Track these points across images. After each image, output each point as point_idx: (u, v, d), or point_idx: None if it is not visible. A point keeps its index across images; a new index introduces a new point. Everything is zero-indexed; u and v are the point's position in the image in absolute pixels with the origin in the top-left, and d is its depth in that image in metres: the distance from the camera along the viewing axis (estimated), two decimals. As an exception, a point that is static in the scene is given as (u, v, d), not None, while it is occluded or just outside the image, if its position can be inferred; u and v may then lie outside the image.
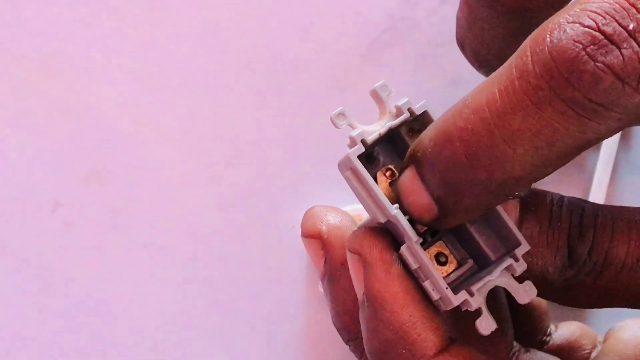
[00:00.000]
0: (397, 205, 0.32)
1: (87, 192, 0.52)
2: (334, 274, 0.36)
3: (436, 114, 0.32)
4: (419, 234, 0.32)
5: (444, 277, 0.32)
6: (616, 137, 0.51)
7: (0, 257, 0.52)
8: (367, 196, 0.32)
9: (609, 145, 0.51)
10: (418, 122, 0.33)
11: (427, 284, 0.32)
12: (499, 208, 0.32)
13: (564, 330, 0.41)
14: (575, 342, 0.41)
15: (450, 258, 0.33)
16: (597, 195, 0.50)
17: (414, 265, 0.32)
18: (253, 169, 0.52)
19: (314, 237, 0.36)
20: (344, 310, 0.36)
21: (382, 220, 0.32)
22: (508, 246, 0.32)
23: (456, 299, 0.31)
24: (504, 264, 0.32)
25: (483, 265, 0.33)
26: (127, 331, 0.52)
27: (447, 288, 0.31)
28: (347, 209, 0.41)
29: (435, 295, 0.32)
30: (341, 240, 0.36)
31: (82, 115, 0.52)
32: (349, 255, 0.33)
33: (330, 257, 0.36)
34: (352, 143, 0.33)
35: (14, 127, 0.52)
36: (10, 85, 0.52)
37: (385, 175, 0.33)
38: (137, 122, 0.52)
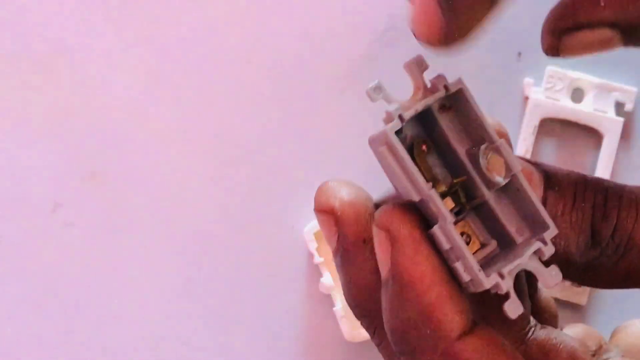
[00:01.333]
0: (431, 184, 0.31)
1: (87, 192, 0.52)
2: (346, 251, 0.35)
3: (470, 91, 0.31)
4: None
5: None
6: (616, 137, 0.51)
7: (0, 257, 0.52)
8: (401, 173, 0.31)
9: (609, 145, 0.51)
10: (450, 98, 0.32)
11: (458, 265, 0.31)
12: (528, 188, 0.31)
13: (568, 332, 0.41)
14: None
15: (473, 238, 0.32)
16: (597, 194, 0.50)
17: (446, 246, 0.31)
18: (253, 169, 0.52)
19: (327, 212, 0.35)
20: (357, 287, 0.35)
21: (416, 198, 0.31)
22: (534, 228, 0.32)
23: (488, 282, 0.31)
24: (533, 248, 0.31)
25: (506, 246, 0.32)
26: (127, 331, 0.52)
27: (480, 270, 0.31)
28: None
29: (466, 277, 0.31)
30: (355, 216, 0.34)
31: (82, 115, 0.52)
32: (375, 231, 0.32)
33: (343, 233, 0.34)
34: (389, 118, 0.31)
35: (14, 127, 0.52)
36: (10, 85, 0.52)
37: (421, 148, 0.32)
38: (137, 122, 0.52)
